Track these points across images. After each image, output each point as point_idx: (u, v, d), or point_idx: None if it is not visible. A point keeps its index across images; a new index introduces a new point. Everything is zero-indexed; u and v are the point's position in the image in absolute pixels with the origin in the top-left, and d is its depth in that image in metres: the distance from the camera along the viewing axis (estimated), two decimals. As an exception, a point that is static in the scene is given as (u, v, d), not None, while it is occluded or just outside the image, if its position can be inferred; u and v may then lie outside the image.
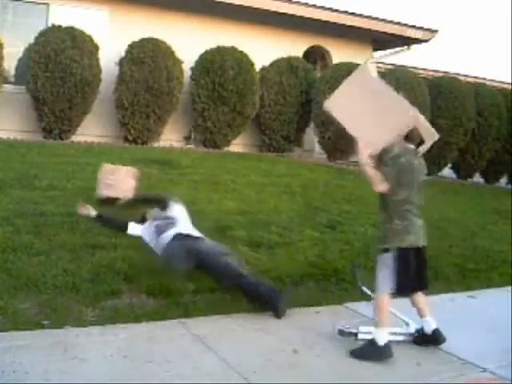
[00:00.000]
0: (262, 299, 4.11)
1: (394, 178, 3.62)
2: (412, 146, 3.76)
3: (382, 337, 3.60)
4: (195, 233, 4.46)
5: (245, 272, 4.26)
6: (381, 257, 3.73)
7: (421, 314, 3.87)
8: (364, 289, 4.25)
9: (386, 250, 3.70)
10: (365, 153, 3.68)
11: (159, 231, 4.42)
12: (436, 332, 3.83)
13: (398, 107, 3.74)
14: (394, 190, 3.64)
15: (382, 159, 3.70)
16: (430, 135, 3.95)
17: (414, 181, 3.72)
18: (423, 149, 3.90)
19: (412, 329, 3.92)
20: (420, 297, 3.88)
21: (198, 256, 4.21)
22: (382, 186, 3.63)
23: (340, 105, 3.95)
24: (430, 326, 3.84)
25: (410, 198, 3.69)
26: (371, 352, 3.58)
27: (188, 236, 4.35)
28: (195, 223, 4.60)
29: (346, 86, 3.99)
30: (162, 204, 4.70)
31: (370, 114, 3.78)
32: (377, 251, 3.80)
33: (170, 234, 4.35)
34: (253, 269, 4.71)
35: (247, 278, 4.17)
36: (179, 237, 4.31)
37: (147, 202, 4.91)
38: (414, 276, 3.76)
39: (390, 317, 3.74)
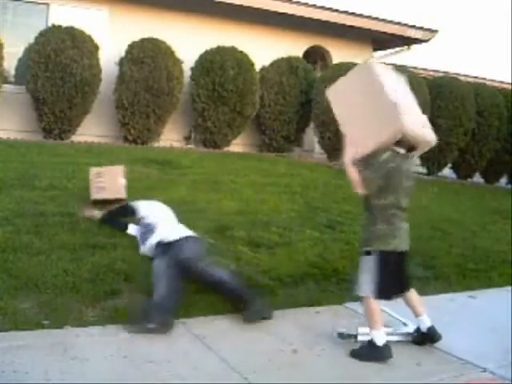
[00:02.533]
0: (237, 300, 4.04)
1: (375, 183, 3.61)
2: (402, 151, 3.71)
3: (380, 338, 3.61)
4: (177, 233, 4.36)
5: (222, 276, 4.15)
6: (363, 259, 3.72)
7: (415, 313, 3.87)
8: None
9: (369, 253, 3.69)
10: (350, 154, 3.70)
11: (143, 238, 4.53)
12: (431, 329, 3.82)
13: (387, 115, 3.65)
14: (380, 194, 3.64)
15: (369, 162, 3.67)
16: (425, 143, 3.86)
17: (402, 186, 3.70)
18: (414, 155, 3.85)
19: (411, 328, 3.93)
20: (412, 295, 3.87)
21: (182, 266, 4.06)
22: (360, 189, 3.66)
23: (339, 96, 3.94)
24: (424, 324, 3.84)
25: (396, 202, 3.68)
26: (370, 352, 3.59)
27: (169, 244, 4.25)
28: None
29: (349, 78, 3.95)
30: (131, 213, 4.79)
31: (362, 115, 3.77)
32: (359, 253, 3.80)
33: (152, 242, 4.39)
34: (253, 269, 4.73)
35: (225, 284, 4.07)
36: (161, 249, 4.26)
37: (117, 215, 5.00)
38: (397, 280, 3.76)
39: (382, 316, 3.73)
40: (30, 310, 3.65)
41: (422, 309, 3.87)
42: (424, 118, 3.99)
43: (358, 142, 3.73)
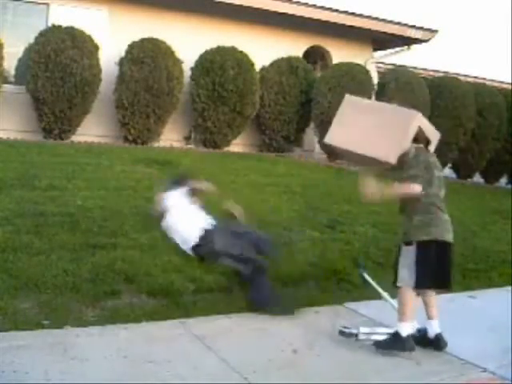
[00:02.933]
0: None
1: (423, 176, 3.68)
2: (421, 146, 3.84)
3: (405, 329, 3.67)
4: None
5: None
6: (403, 250, 3.76)
7: (428, 315, 3.86)
8: (365, 276, 4.33)
9: (409, 243, 3.72)
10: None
11: None
12: (438, 337, 3.82)
13: (398, 115, 3.85)
14: (424, 186, 3.70)
15: (403, 164, 3.76)
16: (434, 134, 3.98)
17: (436, 175, 3.78)
18: (431, 149, 3.94)
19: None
20: (432, 297, 3.87)
21: None
22: (416, 188, 3.66)
23: (341, 134, 4.05)
24: (433, 329, 3.83)
25: (434, 192, 3.74)
26: (394, 343, 3.66)
27: None
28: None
29: (339, 117, 4.11)
30: None
31: (375, 130, 3.86)
32: (400, 245, 3.81)
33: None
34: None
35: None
36: None
37: None
38: (437, 272, 3.76)
39: (414, 310, 3.76)
40: (29, 310, 3.65)
41: (436, 313, 3.86)
42: None
43: (384, 153, 3.80)
